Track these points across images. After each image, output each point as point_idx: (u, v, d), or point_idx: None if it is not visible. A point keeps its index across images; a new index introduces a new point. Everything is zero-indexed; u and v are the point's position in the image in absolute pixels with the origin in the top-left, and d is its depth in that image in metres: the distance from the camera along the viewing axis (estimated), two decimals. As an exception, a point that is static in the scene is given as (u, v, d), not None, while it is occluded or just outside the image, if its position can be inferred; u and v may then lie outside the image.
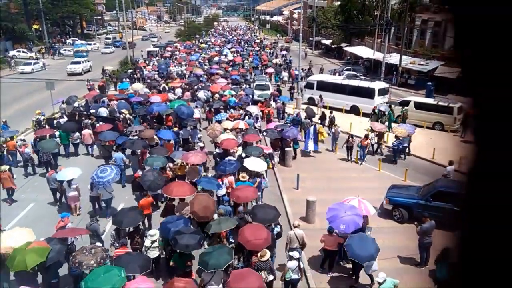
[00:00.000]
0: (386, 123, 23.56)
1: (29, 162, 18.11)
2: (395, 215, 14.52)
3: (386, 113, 24.81)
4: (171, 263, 10.39)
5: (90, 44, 68.00)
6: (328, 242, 11.15)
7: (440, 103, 25.67)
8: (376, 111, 25.35)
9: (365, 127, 23.33)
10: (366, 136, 19.71)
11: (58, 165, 16.85)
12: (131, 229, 11.50)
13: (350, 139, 19.67)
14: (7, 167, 16.08)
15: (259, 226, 10.68)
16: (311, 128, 20.83)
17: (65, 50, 60.55)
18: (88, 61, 47.01)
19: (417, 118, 25.75)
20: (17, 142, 18.91)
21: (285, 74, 39.45)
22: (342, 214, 11.15)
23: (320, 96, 29.48)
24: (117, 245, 10.99)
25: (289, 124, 22.32)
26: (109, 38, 76.44)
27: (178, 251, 10.14)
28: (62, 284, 10.35)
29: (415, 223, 12.44)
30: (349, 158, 20.03)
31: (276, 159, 19.43)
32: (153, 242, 11.04)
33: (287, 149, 19.42)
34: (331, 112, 24.72)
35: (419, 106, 26.13)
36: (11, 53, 54.26)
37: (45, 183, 16.07)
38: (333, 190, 16.00)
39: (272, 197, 15.88)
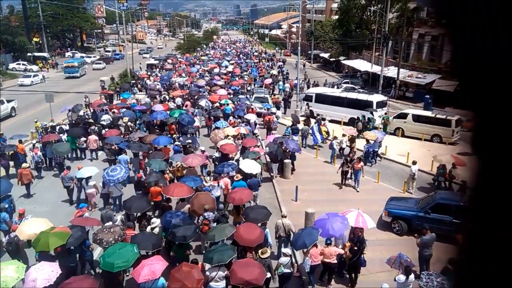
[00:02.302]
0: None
1: (39, 164, 19.07)
2: (394, 227, 14.45)
3: (370, 119, 26.30)
4: (171, 253, 11.14)
5: (90, 57, 68.34)
6: (326, 254, 11.10)
7: (438, 116, 25.80)
8: (361, 118, 26.31)
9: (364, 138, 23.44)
10: (360, 159, 18.48)
11: (70, 167, 17.68)
12: (139, 214, 12.95)
13: (345, 164, 18.10)
14: (28, 164, 17.68)
15: (252, 225, 11.49)
16: (315, 125, 23.60)
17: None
18: (12, 101, 31.07)
19: (415, 130, 25.89)
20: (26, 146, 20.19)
21: (287, 85, 40.45)
22: (327, 221, 11.40)
23: (307, 104, 31.10)
24: (123, 227, 11.94)
25: (288, 136, 22.58)
26: (109, 51, 76.90)
27: (177, 242, 10.95)
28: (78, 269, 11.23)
29: (415, 235, 12.38)
30: (343, 183, 18.40)
31: (275, 171, 19.47)
32: (152, 229, 12.04)
33: (285, 161, 19.40)
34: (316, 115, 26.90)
35: (417, 118, 26.27)
36: (11, 65, 54.52)
37: (43, 194, 16.77)
38: (332, 202, 15.96)
39: (270, 209, 15.73)
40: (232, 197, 13.62)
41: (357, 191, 17.96)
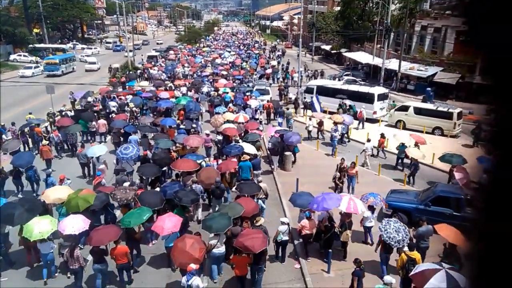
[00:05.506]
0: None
1: (58, 146, 20.82)
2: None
3: (351, 106, 27.92)
4: (173, 213, 12.34)
5: (90, 49, 67.98)
6: (306, 227, 12.00)
7: (439, 108, 25.74)
8: (342, 105, 27.91)
9: (366, 132, 23.48)
10: (354, 164, 16.96)
11: (84, 145, 19.44)
12: (153, 178, 15.22)
13: (339, 175, 16.60)
14: (47, 142, 19.44)
15: (248, 199, 12.98)
16: (315, 97, 27.64)
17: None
18: None
19: (417, 123, 25.84)
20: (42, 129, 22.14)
21: (295, 75, 40.79)
22: (323, 197, 12.36)
23: (293, 92, 33.77)
24: (136, 187, 13.92)
25: (289, 128, 23.21)
26: (110, 43, 76.53)
27: (179, 205, 12.62)
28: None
29: (412, 227, 12.44)
30: (338, 189, 16.47)
31: (275, 163, 19.51)
32: None
33: (286, 153, 19.43)
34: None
35: (418, 111, 26.22)
36: (12, 56, 54.39)
37: (62, 170, 17.93)
38: (333, 195, 15.97)
39: (271, 201, 15.87)
40: (220, 167, 15.84)
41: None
